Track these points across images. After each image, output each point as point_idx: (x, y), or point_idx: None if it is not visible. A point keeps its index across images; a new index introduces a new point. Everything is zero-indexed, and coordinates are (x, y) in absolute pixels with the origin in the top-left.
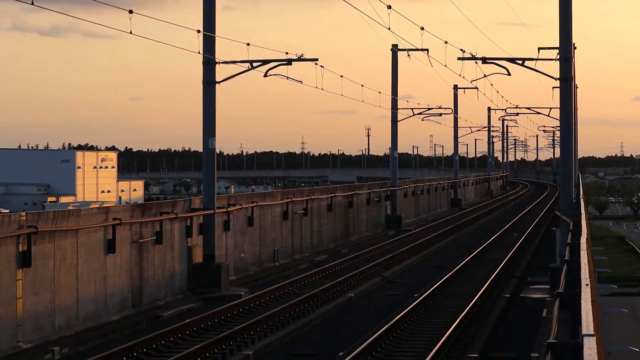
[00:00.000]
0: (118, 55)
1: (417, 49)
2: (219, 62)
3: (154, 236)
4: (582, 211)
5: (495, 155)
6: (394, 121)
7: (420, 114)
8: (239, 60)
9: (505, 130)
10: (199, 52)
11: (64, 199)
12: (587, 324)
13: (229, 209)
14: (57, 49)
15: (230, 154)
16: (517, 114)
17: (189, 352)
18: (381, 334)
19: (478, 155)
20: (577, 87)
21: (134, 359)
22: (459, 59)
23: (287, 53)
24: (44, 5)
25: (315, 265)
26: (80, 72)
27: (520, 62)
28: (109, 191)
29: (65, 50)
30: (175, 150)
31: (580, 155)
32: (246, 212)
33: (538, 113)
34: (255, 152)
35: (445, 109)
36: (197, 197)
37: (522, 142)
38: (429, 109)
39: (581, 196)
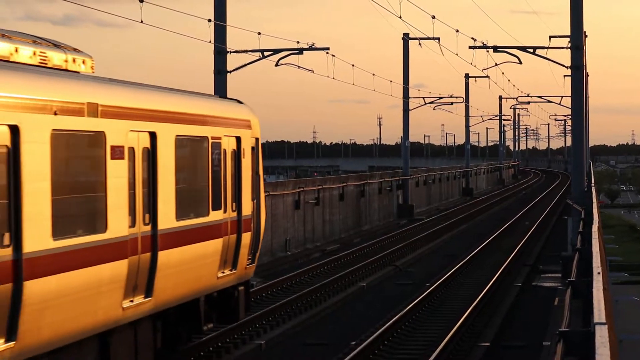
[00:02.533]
0: (130, 44)
1: (428, 38)
2: (230, 52)
3: None
4: (594, 199)
5: (507, 144)
6: (406, 110)
7: (431, 102)
8: (250, 49)
9: (516, 118)
10: (210, 42)
11: None
12: (599, 312)
13: None
14: (69, 38)
15: None
16: (529, 102)
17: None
18: (393, 323)
19: (489, 144)
20: (588, 75)
21: None
22: (470, 47)
23: (298, 42)
24: None
25: (327, 255)
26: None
27: (531, 50)
28: None
29: (77, 40)
30: None
31: (591, 143)
32: None
33: (549, 101)
34: (267, 141)
35: (456, 97)
36: None
37: (533, 130)
38: (441, 97)
39: (592, 185)
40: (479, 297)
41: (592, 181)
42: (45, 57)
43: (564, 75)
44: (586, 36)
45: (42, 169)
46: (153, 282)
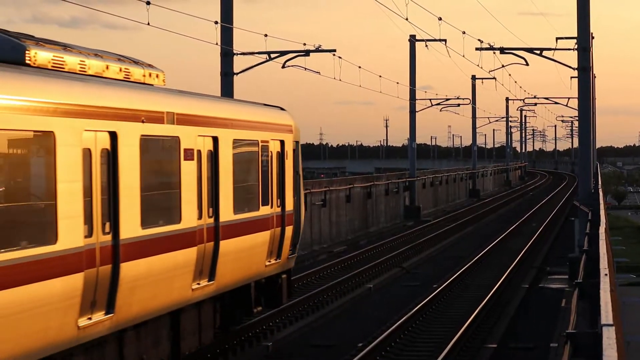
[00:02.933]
0: (137, 46)
1: (434, 40)
2: (237, 54)
3: None
4: (601, 201)
5: (514, 145)
6: (412, 112)
7: (438, 104)
8: (256, 51)
9: (523, 120)
10: (216, 44)
11: None
12: (606, 313)
13: None
14: (76, 40)
15: None
16: (535, 104)
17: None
18: (400, 325)
19: (496, 145)
20: (595, 77)
21: None
22: (476, 49)
23: (304, 44)
24: None
25: (334, 257)
26: None
27: (538, 52)
28: None
29: (84, 42)
30: None
31: (598, 145)
32: None
33: (556, 103)
34: None
35: (463, 99)
36: None
37: (540, 132)
38: (447, 99)
39: (599, 186)
40: (486, 299)
41: (599, 183)
42: (129, 72)
43: (571, 77)
44: (593, 38)
45: (133, 168)
46: (215, 268)
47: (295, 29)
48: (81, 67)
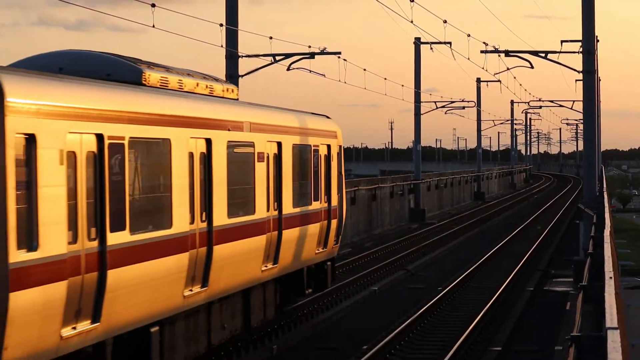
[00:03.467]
0: (142, 49)
1: (439, 42)
2: (242, 56)
3: None
4: (605, 204)
5: (519, 148)
6: (417, 114)
7: (443, 107)
8: (261, 53)
9: (528, 123)
10: (221, 46)
11: None
12: (611, 316)
13: None
14: (82, 43)
15: None
16: (540, 106)
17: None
18: (404, 328)
19: (501, 148)
20: (600, 80)
21: None
22: (482, 51)
23: (309, 46)
24: (69, 0)
25: (339, 259)
26: None
27: (543, 55)
28: None
29: (90, 44)
30: None
31: (603, 148)
32: None
33: (561, 106)
34: None
35: (468, 102)
36: None
37: (545, 135)
38: (452, 102)
39: (604, 189)
40: (491, 302)
41: (604, 186)
42: (212, 88)
43: (576, 80)
44: (598, 41)
45: (222, 169)
46: (279, 253)
47: (300, 31)
48: (179, 85)
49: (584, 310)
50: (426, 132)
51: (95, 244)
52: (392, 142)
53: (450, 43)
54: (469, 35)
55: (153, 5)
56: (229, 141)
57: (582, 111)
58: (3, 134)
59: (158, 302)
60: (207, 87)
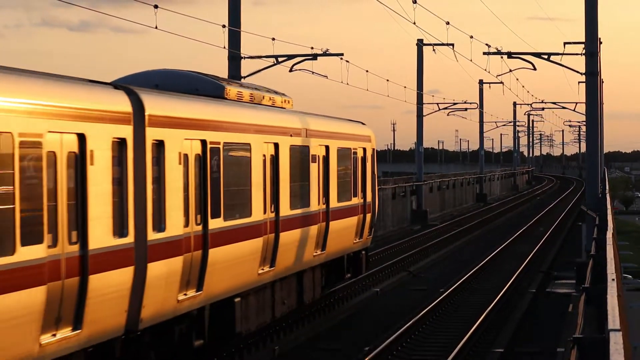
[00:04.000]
0: (145, 50)
1: (442, 44)
2: (245, 57)
3: None
4: (608, 206)
5: (521, 150)
6: (420, 116)
7: (445, 108)
8: (264, 55)
9: (530, 125)
10: (224, 47)
11: None
12: (613, 318)
13: None
14: (85, 44)
15: None
16: (543, 108)
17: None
18: (406, 329)
19: (504, 150)
20: (603, 82)
21: None
22: (484, 53)
23: (312, 48)
24: (73, 2)
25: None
26: (108, 67)
27: (545, 56)
28: None
29: (93, 46)
30: None
31: (606, 150)
32: None
33: (564, 108)
34: None
35: (470, 103)
36: None
37: (547, 137)
38: (455, 103)
39: (607, 191)
40: (493, 303)
41: (607, 187)
42: (274, 100)
43: (579, 82)
44: (601, 43)
45: (286, 169)
46: (326, 241)
47: (303, 32)
48: (250, 98)
49: (586, 312)
50: (428, 133)
51: (200, 228)
52: (394, 144)
53: (452, 45)
54: (471, 37)
55: (156, 7)
56: (290, 145)
57: (584, 113)
58: (144, 142)
59: (240, 277)
60: (270, 99)
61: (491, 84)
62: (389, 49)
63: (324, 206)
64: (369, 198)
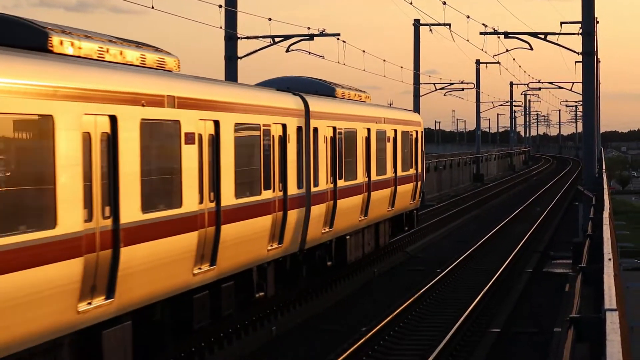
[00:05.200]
0: (143, 30)
1: (439, 24)
2: (241, 38)
3: None
4: (605, 186)
5: (518, 130)
6: (417, 96)
7: (442, 88)
8: (260, 35)
9: (527, 105)
10: (220, 27)
11: None
12: (610, 298)
13: None
14: (83, 24)
15: None
16: (540, 88)
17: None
18: (404, 309)
19: (500, 130)
20: (599, 62)
21: None
22: (481, 33)
23: (308, 28)
24: None
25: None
26: None
27: (542, 36)
28: None
29: (91, 26)
30: None
31: (602, 129)
32: None
33: (560, 88)
34: None
35: (467, 83)
36: None
37: (544, 116)
38: (451, 83)
39: (604, 171)
40: (490, 283)
41: (603, 167)
42: (360, 96)
43: (575, 62)
44: (597, 22)
45: (374, 145)
46: (395, 200)
47: (299, 13)
48: (349, 95)
49: (583, 292)
50: (425, 113)
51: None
52: None
53: (449, 25)
54: (468, 17)
55: None
56: (377, 130)
57: (581, 93)
58: (309, 131)
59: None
60: (358, 95)
61: (488, 64)
62: (385, 29)
63: (393, 174)
64: (420, 169)
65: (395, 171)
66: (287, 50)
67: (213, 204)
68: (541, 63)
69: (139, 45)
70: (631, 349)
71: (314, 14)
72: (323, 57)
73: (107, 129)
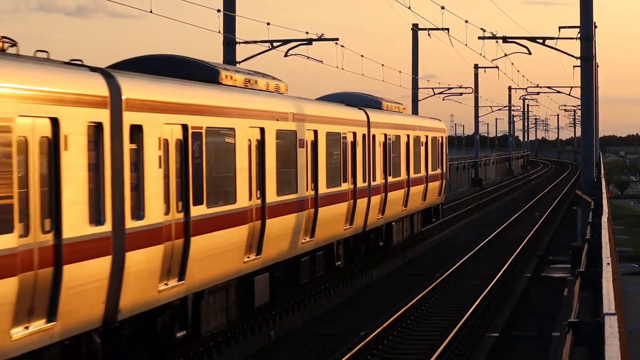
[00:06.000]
0: (142, 35)
1: (437, 29)
2: (240, 42)
3: None
4: (603, 190)
5: (516, 134)
6: (415, 100)
7: (441, 93)
8: (259, 40)
9: (526, 109)
10: (219, 32)
11: None
12: (609, 302)
13: None
14: (82, 29)
15: None
16: (538, 93)
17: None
18: (402, 314)
19: (499, 134)
20: (598, 66)
21: None
22: (479, 38)
23: (307, 33)
24: None
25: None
26: (105, 52)
27: (540, 41)
28: None
29: (90, 30)
30: None
31: (601, 134)
32: None
33: (559, 92)
34: None
35: (465, 88)
36: None
37: (543, 121)
38: (450, 88)
39: (602, 175)
40: (488, 288)
41: (602, 172)
42: (399, 108)
43: (574, 66)
44: (596, 27)
45: (412, 149)
46: (426, 195)
47: (298, 17)
48: (390, 107)
49: (581, 297)
50: None
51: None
52: None
53: (448, 29)
54: (466, 22)
55: None
56: (414, 136)
57: (580, 97)
58: (370, 137)
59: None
60: (397, 107)
61: (486, 69)
62: (384, 34)
63: (425, 173)
64: (444, 170)
65: (426, 170)
66: (286, 55)
67: (312, 192)
68: (540, 67)
69: (263, 75)
70: (630, 353)
71: (312, 18)
72: (322, 61)
73: (259, 137)
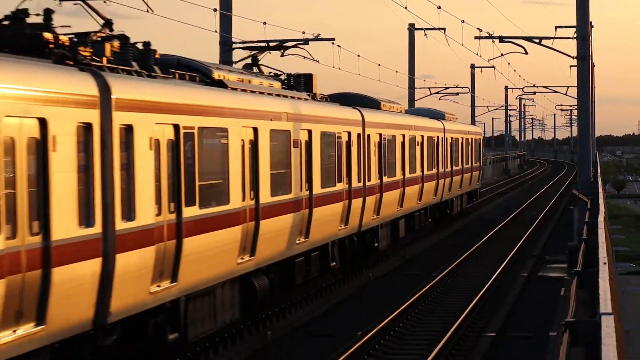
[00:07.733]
0: (140, 35)
1: (434, 29)
2: (236, 42)
3: None
4: (600, 190)
5: (513, 134)
6: (412, 100)
7: (437, 93)
8: (255, 40)
9: (522, 109)
10: (215, 31)
11: None
12: (605, 302)
13: None
14: (80, 29)
15: None
16: (534, 92)
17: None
18: (399, 314)
19: (495, 134)
20: (594, 66)
21: None
22: (476, 38)
23: (303, 32)
24: None
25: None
26: None
27: (537, 40)
28: None
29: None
30: None
31: (597, 133)
32: None
33: (555, 92)
34: None
35: (462, 88)
36: None
37: (539, 121)
38: (446, 88)
39: (599, 175)
40: (485, 288)
41: (599, 171)
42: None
43: (570, 66)
44: (592, 26)
45: (457, 149)
46: (463, 182)
47: (294, 17)
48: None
49: (578, 296)
50: None
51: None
52: None
53: (444, 29)
54: (463, 21)
55: None
56: (462, 138)
57: (576, 97)
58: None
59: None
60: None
61: (483, 68)
62: (380, 34)
63: (460, 167)
64: (479, 163)
65: (462, 165)
66: (282, 55)
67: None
68: (536, 67)
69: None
70: (627, 353)
71: (308, 18)
72: (318, 61)
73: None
